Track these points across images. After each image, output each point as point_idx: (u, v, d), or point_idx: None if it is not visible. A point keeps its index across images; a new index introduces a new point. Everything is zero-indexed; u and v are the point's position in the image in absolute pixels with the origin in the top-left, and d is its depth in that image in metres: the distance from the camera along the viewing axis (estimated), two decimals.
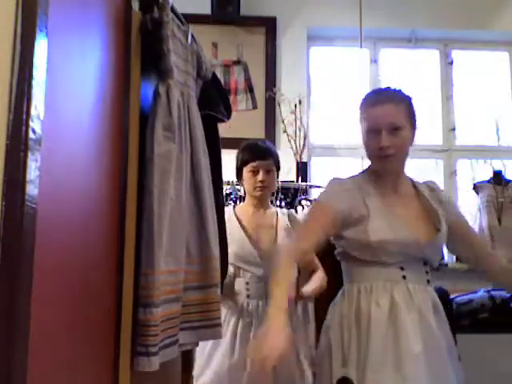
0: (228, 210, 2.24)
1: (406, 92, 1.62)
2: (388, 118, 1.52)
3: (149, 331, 1.14)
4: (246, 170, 2.20)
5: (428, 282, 1.60)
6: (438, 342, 1.51)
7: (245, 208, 2.27)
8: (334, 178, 1.67)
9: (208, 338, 1.45)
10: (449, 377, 1.50)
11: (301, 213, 2.85)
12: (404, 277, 1.56)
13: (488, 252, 1.73)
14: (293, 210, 2.52)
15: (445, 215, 1.64)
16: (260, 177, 2.16)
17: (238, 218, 2.21)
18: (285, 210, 2.37)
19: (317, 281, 2.11)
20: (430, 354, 1.48)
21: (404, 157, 1.60)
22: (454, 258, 3.50)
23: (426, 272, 1.60)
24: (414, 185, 1.69)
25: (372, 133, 1.54)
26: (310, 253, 1.69)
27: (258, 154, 2.19)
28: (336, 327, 1.57)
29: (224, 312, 1.98)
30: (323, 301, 2.64)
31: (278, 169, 2.27)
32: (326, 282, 2.10)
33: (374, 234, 1.54)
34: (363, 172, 1.69)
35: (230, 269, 1.96)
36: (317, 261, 2.21)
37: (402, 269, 1.56)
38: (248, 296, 2.11)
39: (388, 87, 1.64)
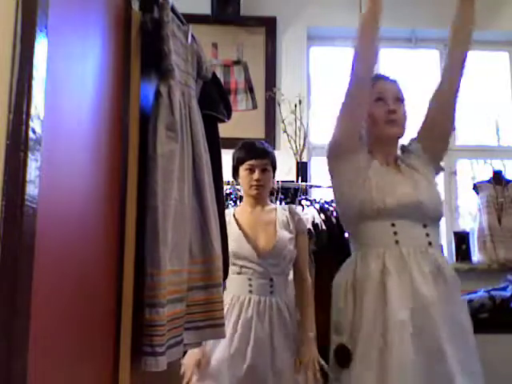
0: (228, 213, 2.25)
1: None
2: (394, 89, 1.73)
3: (156, 331, 1.14)
4: (242, 169, 2.21)
5: (430, 244, 1.58)
6: (428, 307, 1.48)
7: (243, 208, 2.28)
8: None
9: (211, 338, 1.45)
10: (439, 340, 1.46)
11: (301, 213, 2.85)
12: (397, 241, 1.56)
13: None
14: (293, 205, 2.52)
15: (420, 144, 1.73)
16: (256, 175, 2.17)
17: (236, 218, 2.21)
18: (285, 206, 2.37)
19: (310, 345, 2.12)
20: (418, 319, 1.47)
21: (404, 128, 1.72)
22: (454, 258, 3.50)
23: (427, 234, 1.59)
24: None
25: (379, 96, 1.69)
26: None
27: (254, 152, 2.20)
28: (334, 298, 1.63)
29: (225, 308, 1.98)
30: (323, 301, 2.63)
31: (275, 169, 2.28)
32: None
33: (369, 192, 1.60)
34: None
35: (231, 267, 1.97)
36: (305, 267, 2.24)
37: (395, 233, 1.57)
38: (250, 291, 2.12)
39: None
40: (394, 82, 1.77)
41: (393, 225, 1.58)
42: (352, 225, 1.68)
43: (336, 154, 1.68)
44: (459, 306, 1.57)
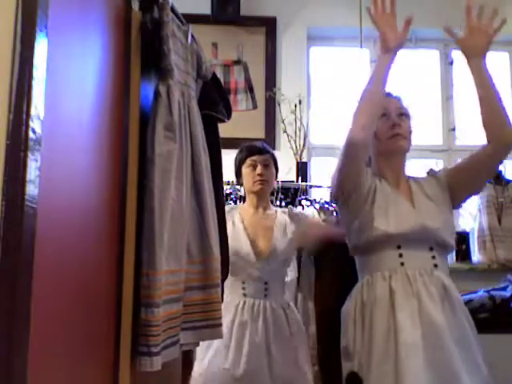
0: (234, 208, 2.26)
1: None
2: (397, 105, 1.73)
3: (151, 331, 1.14)
4: (244, 167, 2.22)
5: (435, 266, 1.57)
6: (438, 329, 1.47)
7: (245, 208, 2.28)
8: None
9: (209, 338, 1.45)
10: (452, 365, 1.45)
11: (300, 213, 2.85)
12: (402, 263, 1.56)
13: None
14: (291, 206, 2.53)
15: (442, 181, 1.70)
16: (259, 170, 2.19)
17: (241, 218, 2.22)
18: (285, 209, 2.37)
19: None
20: (429, 342, 1.45)
21: (409, 144, 1.71)
22: (454, 258, 3.50)
23: (433, 257, 1.58)
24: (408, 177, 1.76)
25: (383, 116, 1.68)
26: None
27: (256, 149, 2.25)
28: (343, 324, 1.61)
29: None
30: (323, 302, 2.64)
31: (277, 168, 2.28)
32: None
33: (373, 219, 1.60)
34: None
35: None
36: None
37: (400, 256, 1.57)
38: (244, 295, 2.12)
39: None
40: (398, 98, 1.76)
41: (398, 247, 1.57)
42: (359, 251, 1.67)
43: (339, 196, 1.68)
44: (467, 330, 1.55)
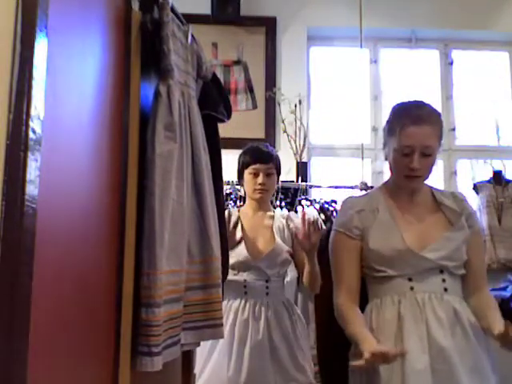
0: (233, 212, 2.26)
1: (436, 108, 1.62)
2: (424, 141, 1.53)
3: (151, 331, 1.14)
4: (246, 173, 2.22)
5: (445, 290, 1.54)
6: (446, 354, 1.44)
7: (245, 210, 2.29)
8: (347, 198, 1.74)
9: (210, 338, 1.45)
10: None
11: (301, 213, 2.85)
12: (412, 288, 1.53)
13: (477, 288, 1.61)
14: (293, 213, 2.52)
15: (464, 222, 1.62)
16: (260, 179, 2.18)
17: (241, 220, 2.22)
18: (284, 213, 2.38)
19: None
20: (438, 368, 1.43)
21: (429, 176, 1.62)
22: None
23: (443, 280, 1.55)
24: (433, 193, 1.69)
25: (405, 151, 1.54)
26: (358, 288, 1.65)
27: (259, 157, 2.20)
28: (352, 348, 1.58)
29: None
30: (323, 301, 2.63)
31: (279, 173, 2.28)
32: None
33: (371, 243, 1.58)
34: (381, 186, 1.74)
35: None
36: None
37: (410, 280, 1.54)
38: (246, 293, 2.12)
39: (422, 102, 1.62)
40: (427, 123, 1.54)
41: (408, 272, 1.55)
42: (370, 273, 1.64)
43: None
44: (481, 355, 1.50)
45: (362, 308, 1.64)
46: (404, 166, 1.56)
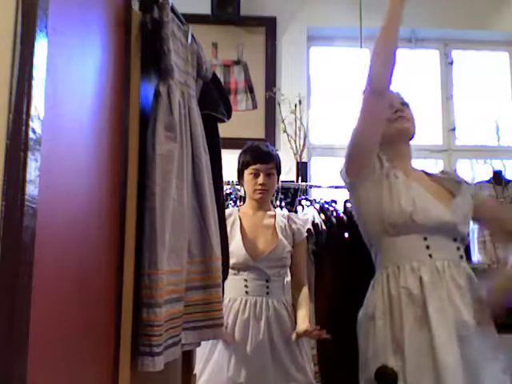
0: (234, 211, 2.26)
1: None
2: (397, 98, 1.74)
3: (153, 331, 1.14)
4: (247, 173, 2.21)
5: (461, 257, 1.59)
6: (466, 322, 1.47)
7: (245, 210, 2.29)
8: None
9: (211, 338, 1.45)
10: (478, 358, 1.45)
11: (301, 213, 2.86)
12: (430, 255, 1.53)
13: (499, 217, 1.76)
14: (293, 214, 2.52)
15: (464, 189, 1.71)
16: (260, 180, 2.18)
17: (240, 220, 2.22)
18: (285, 214, 2.37)
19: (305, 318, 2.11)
20: (462, 336, 1.45)
21: (414, 128, 1.73)
22: None
23: (458, 248, 1.59)
24: (426, 173, 1.78)
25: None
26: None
27: (260, 157, 2.19)
28: (368, 320, 1.55)
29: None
30: (323, 301, 2.64)
31: (279, 173, 2.28)
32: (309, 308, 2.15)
33: (399, 204, 1.57)
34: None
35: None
36: (303, 274, 2.24)
37: (427, 247, 1.54)
38: (246, 293, 2.12)
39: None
40: (397, 93, 1.78)
41: (425, 239, 1.55)
42: (378, 241, 1.61)
43: (354, 168, 1.64)
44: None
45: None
46: (391, 114, 1.70)
